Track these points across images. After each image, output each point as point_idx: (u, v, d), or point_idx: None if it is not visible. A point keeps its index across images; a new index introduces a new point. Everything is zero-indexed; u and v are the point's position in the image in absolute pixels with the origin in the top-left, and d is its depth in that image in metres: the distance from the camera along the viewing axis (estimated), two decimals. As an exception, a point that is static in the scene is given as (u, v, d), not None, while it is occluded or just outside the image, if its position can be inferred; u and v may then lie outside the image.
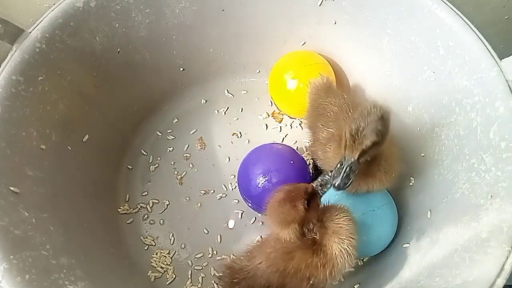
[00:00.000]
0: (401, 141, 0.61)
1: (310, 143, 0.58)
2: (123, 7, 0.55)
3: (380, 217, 0.53)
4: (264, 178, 0.55)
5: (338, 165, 0.44)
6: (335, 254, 0.43)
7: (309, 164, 0.65)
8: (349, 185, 0.43)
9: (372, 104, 0.43)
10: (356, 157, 0.42)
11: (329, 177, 0.45)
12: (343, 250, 0.43)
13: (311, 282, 0.44)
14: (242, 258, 0.49)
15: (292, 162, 0.56)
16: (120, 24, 0.56)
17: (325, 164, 0.53)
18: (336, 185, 0.43)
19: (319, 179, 0.47)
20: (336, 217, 0.44)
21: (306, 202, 0.43)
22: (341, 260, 0.43)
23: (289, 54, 0.67)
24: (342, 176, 0.43)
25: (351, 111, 0.50)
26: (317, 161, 0.56)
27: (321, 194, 0.47)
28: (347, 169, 0.43)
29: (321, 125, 0.53)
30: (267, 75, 0.69)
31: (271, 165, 0.56)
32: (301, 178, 0.57)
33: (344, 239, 0.43)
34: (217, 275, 0.55)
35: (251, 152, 0.60)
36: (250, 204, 0.58)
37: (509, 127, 0.43)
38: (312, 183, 0.47)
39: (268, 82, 0.68)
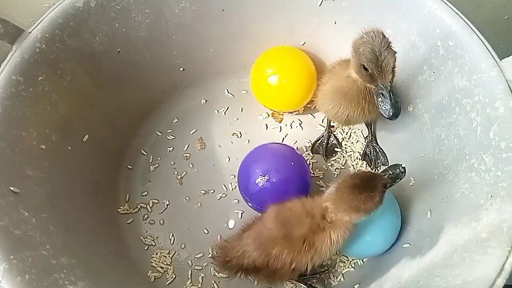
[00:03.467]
0: (401, 141, 0.61)
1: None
2: (123, 7, 0.55)
3: (383, 219, 0.53)
4: (263, 177, 0.55)
5: (379, 99, 0.44)
6: (327, 241, 0.46)
7: (310, 164, 0.65)
8: (400, 107, 0.43)
9: (365, 31, 0.44)
10: (391, 80, 0.43)
11: (400, 170, 0.44)
12: (334, 240, 0.46)
13: (292, 266, 0.47)
14: (233, 237, 0.52)
15: (292, 163, 0.56)
16: (120, 24, 0.56)
17: (320, 106, 0.57)
18: (392, 114, 0.43)
19: (389, 172, 0.45)
20: None
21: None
22: (326, 248, 0.46)
23: (267, 51, 0.67)
24: (393, 103, 0.43)
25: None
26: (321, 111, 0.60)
27: (389, 187, 0.46)
28: (391, 94, 0.43)
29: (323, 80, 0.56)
30: (267, 75, 0.69)
31: (271, 164, 0.56)
32: (301, 178, 0.57)
33: (343, 232, 0.46)
34: (212, 254, 0.57)
35: (252, 151, 0.60)
36: (250, 204, 0.58)
37: (509, 127, 0.43)
38: (384, 175, 0.45)
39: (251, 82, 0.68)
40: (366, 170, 0.46)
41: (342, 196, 0.44)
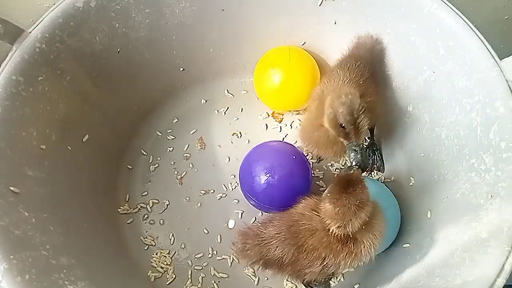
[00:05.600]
0: (401, 141, 0.61)
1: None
2: (123, 7, 0.55)
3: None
4: (269, 174, 0.55)
5: (352, 154, 0.46)
6: (364, 245, 0.43)
7: (309, 164, 0.65)
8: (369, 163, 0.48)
9: (343, 91, 0.46)
10: (362, 140, 0.46)
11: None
12: (372, 245, 0.43)
13: (324, 263, 0.44)
14: (258, 225, 0.48)
15: (294, 157, 0.56)
16: (120, 24, 0.56)
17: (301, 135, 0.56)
18: (362, 167, 0.46)
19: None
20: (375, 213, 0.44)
21: None
22: (366, 252, 0.43)
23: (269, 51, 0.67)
24: (363, 159, 0.46)
25: (345, 80, 0.52)
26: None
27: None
28: (363, 152, 0.46)
29: (326, 81, 0.55)
30: (267, 75, 0.69)
31: (274, 161, 0.56)
32: (304, 171, 0.57)
33: (377, 235, 0.44)
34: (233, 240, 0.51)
35: (252, 150, 0.60)
36: (253, 202, 0.58)
37: (509, 127, 0.43)
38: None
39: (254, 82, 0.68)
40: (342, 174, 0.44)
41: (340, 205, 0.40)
